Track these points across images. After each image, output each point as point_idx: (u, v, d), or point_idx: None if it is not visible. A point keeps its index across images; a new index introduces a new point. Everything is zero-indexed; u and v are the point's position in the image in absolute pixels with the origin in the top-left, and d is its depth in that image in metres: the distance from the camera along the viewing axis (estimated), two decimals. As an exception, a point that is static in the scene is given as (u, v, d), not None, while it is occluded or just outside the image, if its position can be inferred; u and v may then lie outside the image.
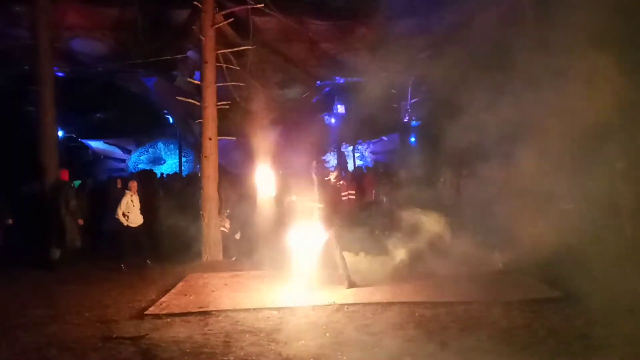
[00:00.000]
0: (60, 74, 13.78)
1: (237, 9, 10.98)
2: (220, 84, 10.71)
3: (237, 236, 10.51)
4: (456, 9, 13.04)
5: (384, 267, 8.46)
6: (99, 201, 12.95)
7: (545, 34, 11.20)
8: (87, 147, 21.03)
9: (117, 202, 9.74)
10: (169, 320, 6.38)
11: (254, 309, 6.71)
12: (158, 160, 21.37)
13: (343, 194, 10.25)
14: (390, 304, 6.74)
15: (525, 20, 11.83)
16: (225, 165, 15.21)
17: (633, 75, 8.09)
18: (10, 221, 9.77)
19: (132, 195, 9.66)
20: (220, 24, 10.66)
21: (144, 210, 9.92)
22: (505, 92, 9.74)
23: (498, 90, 9.72)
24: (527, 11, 11.78)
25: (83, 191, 12.61)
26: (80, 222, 9.95)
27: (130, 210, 9.64)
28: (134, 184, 9.83)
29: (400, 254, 8.53)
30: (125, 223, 9.60)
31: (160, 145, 21.45)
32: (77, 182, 13.58)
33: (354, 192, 10.43)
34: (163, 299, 7.35)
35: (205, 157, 10.42)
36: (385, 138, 20.76)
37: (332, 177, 8.00)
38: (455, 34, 12.95)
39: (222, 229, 10.55)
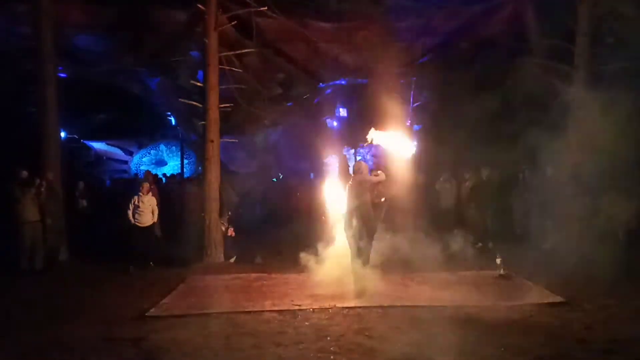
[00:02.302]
0: (62, 75, 13.81)
1: (241, 11, 10.99)
2: (222, 86, 10.73)
3: (230, 232, 10.51)
4: (458, 12, 13.09)
5: (383, 271, 8.45)
6: (97, 203, 13.02)
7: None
8: (89, 148, 21.06)
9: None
10: (169, 322, 6.38)
11: (255, 312, 6.72)
12: (160, 162, 21.40)
13: None
14: (390, 308, 6.74)
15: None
16: (227, 164, 15.24)
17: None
18: None
19: (140, 196, 9.70)
20: (224, 27, 10.68)
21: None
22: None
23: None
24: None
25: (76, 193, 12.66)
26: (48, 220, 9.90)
27: (138, 211, 9.68)
28: (145, 185, 9.87)
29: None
30: (132, 222, 9.65)
31: (162, 147, 21.49)
32: None
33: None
34: (164, 300, 7.35)
35: (207, 159, 10.44)
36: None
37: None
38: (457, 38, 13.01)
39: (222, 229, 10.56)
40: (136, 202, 9.66)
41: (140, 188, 9.79)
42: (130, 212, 9.63)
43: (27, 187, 9.44)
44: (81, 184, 13.17)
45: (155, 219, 9.96)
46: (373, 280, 7.46)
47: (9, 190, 9.40)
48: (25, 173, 9.58)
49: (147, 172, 13.48)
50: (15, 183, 9.42)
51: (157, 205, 9.96)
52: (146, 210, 9.72)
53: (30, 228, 9.42)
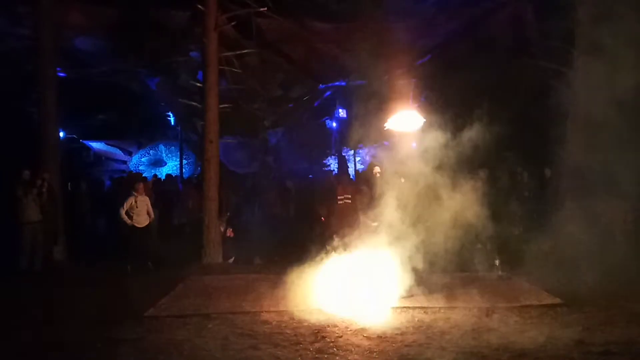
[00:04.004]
0: (62, 75, 13.81)
1: (240, 12, 10.99)
2: (222, 87, 10.72)
3: (229, 233, 10.52)
4: (458, 13, 13.10)
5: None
6: (94, 203, 13.02)
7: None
8: (89, 148, 21.03)
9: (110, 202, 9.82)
10: (168, 322, 6.38)
11: (253, 312, 6.72)
12: (159, 162, 21.37)
13: (339, 197, 10.18)
14: (389, 309, 6.74)
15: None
16: (227, 165, 15.24)
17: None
18: None
19: (136, 197, 9.68)
20: (223, 27, 10.68)
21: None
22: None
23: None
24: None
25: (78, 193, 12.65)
26: None
27: (135, 212, 9.66)
28: (140, 186, 9.86)
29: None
30: (129, 223, 9.62)
31: (162, 147, 21.45)
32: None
33: (349, 196, 10.22)
34: (162, 301, 7.35)
35: (206, 159, 10.43)
36: (386, 142, 20.72)
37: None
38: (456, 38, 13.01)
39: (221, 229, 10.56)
40: (132, 203, 9.62)
41: (137, 188, 9.76)
42: (122, 212, 9.58)
43: (29, 188, 9.43)
44: (84, 184, 13.07)
45: (151, 219, 9.93)
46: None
47: (11, 190, 9.39)
48: (27, 173, 9.58)
49: (138, 173, 13.46)
50: (18, 183, 9.41)
51: (152, 205, 9.94)
52: (142, 210, 9.70)
53: (31, 228, 9.41)
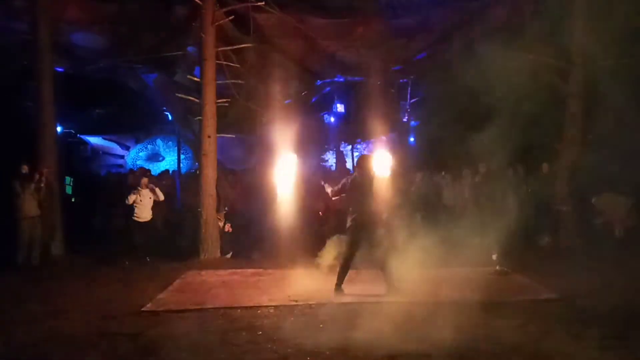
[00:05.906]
0: (59, 70, 13.75)
1: (238, 6, 10.96)
2: (220, 82, 10.70)
3: (227, 228, 10.52)
4: (456, 8, 13.08)
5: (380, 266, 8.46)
6: (93, 197, 12.98)
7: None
8: (86, 143, 20.96)
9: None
10: (166, 317, 6.39)
11: (252, 307, 6.73)
12: (156, 157, 21.33)
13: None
14: (387, 303, 6.76)
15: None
16: (224, 162, 15.23)
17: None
18: None
19: (140, 191, 9.69)
20: (221, 22, 10.65)
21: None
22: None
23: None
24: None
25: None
26: None
27: (138, 206, 9.66)
28: (144, 180, 9.87)
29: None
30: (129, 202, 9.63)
31: (159, 142, 21.39)
32: (67, 179, 13.50)
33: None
34: (160, 295, 7.36)
35: (204, 154, 10.42)
36: (384, 138, 20.70)
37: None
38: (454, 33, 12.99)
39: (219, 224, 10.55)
40: (136, 197, 9.63)
41: (141, 183, 9.78)
42: (127, 202, 9.60)
43: (27, 182, 9.42)
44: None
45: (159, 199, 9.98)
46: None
47: (9, 185, 9.38)
48: (25, 168, 9.57)
49: (141, 168, 13.44)
50: (16, 178, 9.40)
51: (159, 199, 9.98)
52: (146, 204, 9.70)
53: (29, 223, 9.40)
